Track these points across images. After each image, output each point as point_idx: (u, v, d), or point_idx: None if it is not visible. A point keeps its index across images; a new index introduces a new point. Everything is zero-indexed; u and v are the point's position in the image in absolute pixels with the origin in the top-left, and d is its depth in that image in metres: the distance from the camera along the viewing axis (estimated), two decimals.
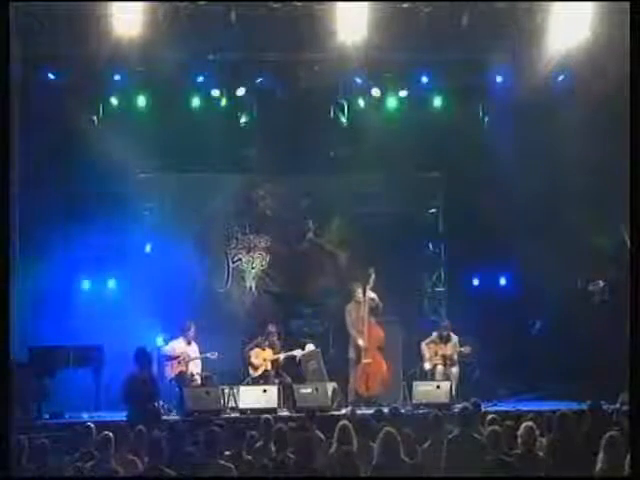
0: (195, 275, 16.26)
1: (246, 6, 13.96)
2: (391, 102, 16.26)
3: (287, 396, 14.32)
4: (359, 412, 13.74)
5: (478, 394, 12.90)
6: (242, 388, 14.36)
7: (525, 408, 12.33)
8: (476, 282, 16.85)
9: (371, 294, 15.22)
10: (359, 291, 15.27)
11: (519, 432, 8.86)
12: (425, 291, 17.05)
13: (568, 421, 9.59)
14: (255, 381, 14.91)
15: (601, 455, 8.35)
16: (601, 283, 15.00)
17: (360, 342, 15.11)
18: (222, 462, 8.87)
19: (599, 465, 8.33)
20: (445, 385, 14.32)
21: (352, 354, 15.21)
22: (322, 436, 10.03)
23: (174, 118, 15.95)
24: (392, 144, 15.85)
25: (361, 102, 16.22)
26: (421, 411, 13.55)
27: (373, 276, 15.25)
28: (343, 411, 14.19)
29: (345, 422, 9.32)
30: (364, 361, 15.07)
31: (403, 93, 16.20)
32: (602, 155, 15.04)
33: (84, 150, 15.57)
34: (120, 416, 12.83)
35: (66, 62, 15.05)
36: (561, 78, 15.55)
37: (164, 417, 13.34)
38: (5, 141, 10.10)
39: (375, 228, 16.56)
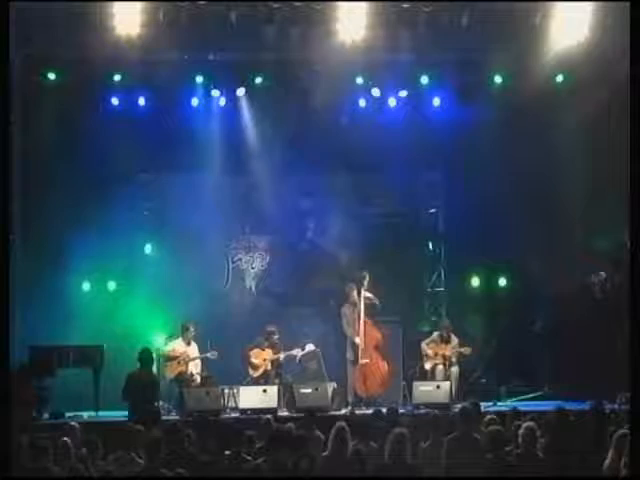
0: (195, 275, 16.23)
1: (246, 6, 13.98)
2: (391, 102, 16.28)
3: (287, 396, 14.32)
4: (359, 412, 13.82)
5: (478, 394, 12.92)
6: (242, 388, 14.36)
7: (525, 408, 12.32)
8: (476, 282, 16.84)
9: (367, 294, 15.22)
10: (354, 293, 15.27)
11: (519, 432, 8.85)
12: (425, 291, 17.04)
13: (568, 421, 9.60)
14: (255, 381, 14.90)
15: (611, 452, 8.35)
16: (603, 274, 14.99)
17: (357, 342, 15.10)
18: (222, 462, 8.89)
19: (608, 461, 8.35)
20: (445, 385, 14.31)
21: (350, 355, 15.20)
22: (322, 436, 10.02)
23: (174, 118, 15.96)
24: (392, 144, 15.84)
25: (361, 102, 16.24)
26: (421, 411, 13.57)
27: (367, 277, 15.25)
28: (343, 411, 14.22)
29: (342, 423, 9.29)
30: (361, 361, 15.04)
31: (403, 93, 16.22)
32: (602, 154, 15.08)
33: (84, 150, 15.57)
34: (120, 416, 12.84)
35: (66, 62, 15.06)
36: (560, 78, 15.58)
37: (164, 417, 13.33)
38: (5, 141, 10.12)
39: (375, 228, 16.56)
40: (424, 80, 15.93)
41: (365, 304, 15.19)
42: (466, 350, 15.10)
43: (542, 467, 8.64)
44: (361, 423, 10.38)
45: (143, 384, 12.80)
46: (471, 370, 15.60)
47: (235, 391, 14.35)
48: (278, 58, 15.28)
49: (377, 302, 15.18)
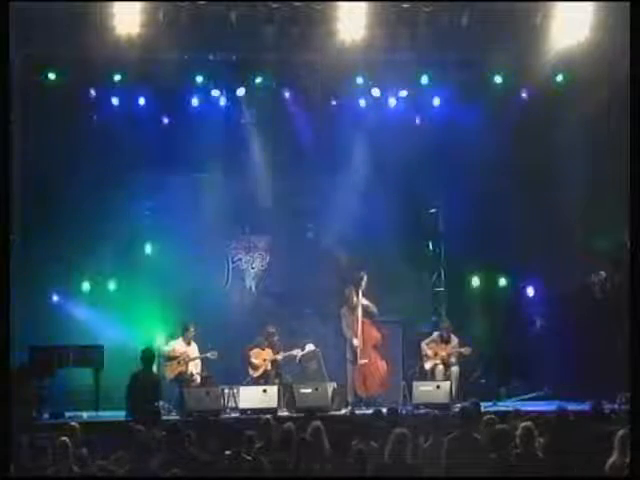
0: (195, 275, 16.23)
1: (246, 6, 13.98)
2: (391, 102, 16.28)
3: (287, 396, 14.31)
4: (359, 412, 13.82)
5: (478, 394, 12.91)
6: (242, 388, 14.36)
7: (525, 408, 12.32)
8: (476, 282, 16.84)
9: (364, 301, 15.21)
10: (352, 295, 15.26)
11: (517, 432, 8.85)
12: (425, 291, 17.03)
13: (568, 421, 9.59)
14: (255, 381, 14.90)
15: (615, 453, 8.35)
16: (603, 274, 14.99)
17: (355, 343, 15.09)
18: (222, 462, 8.88)
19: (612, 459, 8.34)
20: (445, 385, 14.31)
21: (349, 355, 15.20)
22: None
23: (174, 118, 15.96)
24: (392, 144, 15.84)
25: (361, 102, 16.24)
26: (421, 411, 13.57)
27: (365, 278, 15.25)
28: (343, 411, 14.22)
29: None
30: (360, 362, 15.05)
31: (403, 93, 16.22)
32: (602, 155, 15.07)
33: (84, 150, 15.58)
34: (120, 416, 12.84)
35: (66, 62, 15.06)
36: (560, 78, 15.58)
37: (164, 417, 13.33)
38: (5, 141, 10.12)
39: (375, 228, 16.53)
40: (424, 80, 15.92)
41: (362, 307, 15.19)
42: (466, 350, 15.10)
43: (542, 467, 8.65)
44: (361, 423, 10.38)
45: (144, 384, 12.81)
46: (471, 370, 15.60)
47: (235, 391, 14.35)
48: (278, 58, 15.28)
49: (375, 310, 15.21)
